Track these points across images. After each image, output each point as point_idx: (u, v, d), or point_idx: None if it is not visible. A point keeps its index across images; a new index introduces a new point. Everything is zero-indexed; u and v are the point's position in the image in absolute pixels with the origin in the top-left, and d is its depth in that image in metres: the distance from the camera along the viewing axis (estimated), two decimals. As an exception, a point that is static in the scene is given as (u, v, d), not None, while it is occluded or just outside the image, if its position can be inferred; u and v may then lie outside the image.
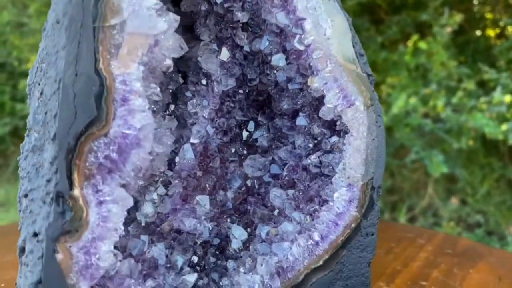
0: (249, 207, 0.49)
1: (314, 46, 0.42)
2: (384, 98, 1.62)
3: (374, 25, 1.76)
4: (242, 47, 0.47)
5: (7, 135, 2.17)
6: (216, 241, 0.47)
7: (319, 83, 0.43)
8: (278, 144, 0.49)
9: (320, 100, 0.45)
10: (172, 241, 0.45)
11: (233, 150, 0.50)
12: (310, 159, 0.46)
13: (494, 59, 1.69)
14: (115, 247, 0.38)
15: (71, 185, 0.36)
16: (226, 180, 0.49)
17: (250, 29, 0.46)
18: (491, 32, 1.80)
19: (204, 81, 0.48)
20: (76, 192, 0.36)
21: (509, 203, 1.64)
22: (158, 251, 0.42)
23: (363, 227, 0.45)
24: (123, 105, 0.36)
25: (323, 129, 0.46)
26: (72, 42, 0.36)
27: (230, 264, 0.45)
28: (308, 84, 0.44)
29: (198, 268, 0.46)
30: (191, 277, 0.42)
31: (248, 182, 0.49)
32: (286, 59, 0.45)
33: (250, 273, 0.43)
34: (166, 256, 0.43)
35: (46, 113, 0.38)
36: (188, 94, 0.49)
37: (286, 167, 0.47)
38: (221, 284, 0.44)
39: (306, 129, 0.47)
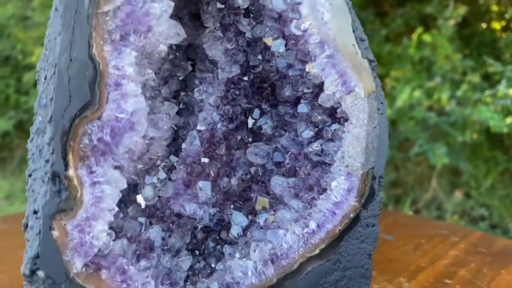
0: (252, 195, 0.48)
1: (311, 31, 0.42)
2: (389, 91, 1.60)
3: (378, 17, 1.75)
4: (245, 33, 0.46)
5: (12, 129, 2.18)
6: (217, 227, 0.47)
7: (317, 69, 0.42)
8: (281, 132, 0.48)
9: (320, 87, 0.44)
10: (171, 224, 0.45)
11: (239, 137, 0.50)
12: (311, 147, 0.45)
13: (499, 52, 1.65)
14: (112, 228, 0.39)
15: (66, 166, 0.37)
16: (230, 167, 0.49)
17: (251, 15, 0.46)
18: (496, 25, 1.77)
19: (210, 68, 0.48)
20: (71, 172, 0.37)
21: (514, 196, 1.64)
22: (154, 233, 0.43)
23: (363, 218, 0.44)
24: (116, 90, 0.37)
25: (323, 117, 0.45)
26: (67, 29, 0.37)
27: (227, 249, 0.45)
28: (307, 70, 0.43)
29: (197, 252, 0.46)
30: (186, 261, 0.43)
31: (252, 170, 0.49)
32: (286, 45, 0.44)
33: (244, 259, 0.43)
34: (163, 239, 0.43)
35: (47, 96, 0.40)
36: (197, 81, 0.49)
37: (288, 155, 0.47)
38: (216, 268, 0.44)
39: (308, 116, 0.46)
